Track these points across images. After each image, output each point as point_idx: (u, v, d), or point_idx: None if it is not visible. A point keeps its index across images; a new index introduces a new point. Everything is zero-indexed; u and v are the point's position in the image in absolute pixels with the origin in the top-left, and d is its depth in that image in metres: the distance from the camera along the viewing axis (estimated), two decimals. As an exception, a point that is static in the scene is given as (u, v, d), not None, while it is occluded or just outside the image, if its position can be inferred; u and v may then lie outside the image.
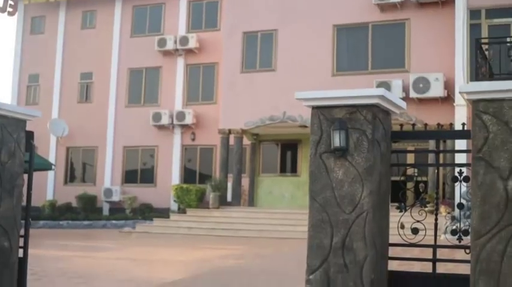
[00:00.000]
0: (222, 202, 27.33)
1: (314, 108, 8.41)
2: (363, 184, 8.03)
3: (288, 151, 29.91)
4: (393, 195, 9.16)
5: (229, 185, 27.93)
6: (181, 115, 30.84)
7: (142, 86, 32.88)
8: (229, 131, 27.83)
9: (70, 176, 34.19)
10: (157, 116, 31.16)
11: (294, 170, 29.26)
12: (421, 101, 25.01)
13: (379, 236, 8.25)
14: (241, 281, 12.95)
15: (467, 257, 7.75)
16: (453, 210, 20.33)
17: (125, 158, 32.74)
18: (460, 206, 8.87)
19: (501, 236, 7.47)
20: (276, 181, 29.06)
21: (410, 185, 8.94)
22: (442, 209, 21.54)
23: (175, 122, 30.97)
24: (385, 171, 8.53)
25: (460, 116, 21.80)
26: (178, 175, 31.39)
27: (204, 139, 30.93)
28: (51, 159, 32.80)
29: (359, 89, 8.35)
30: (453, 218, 18.80)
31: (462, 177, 8.41)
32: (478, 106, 7.77)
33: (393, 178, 9.23)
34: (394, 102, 8.59)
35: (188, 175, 31.41)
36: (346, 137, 8.07)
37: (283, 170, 29.61)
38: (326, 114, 8.29)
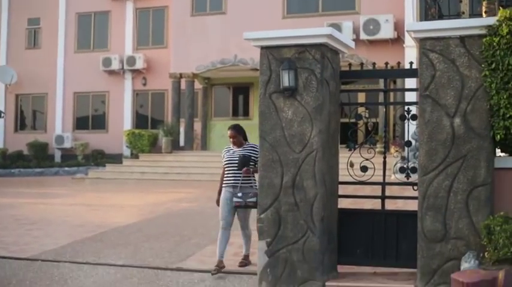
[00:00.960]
0: (175, 147, 27.29)
1: (263, 48, 8.40)
2: (312, 123, 8.10)
3: (240, 94, 29.85)
4: (344, 136, 9.26)
5: (182, 129, 27.85)
6: (131, 60, 30.48)
7: (91, 31, 32.32)
8: (181, 76, 27.63)
9: (20, 124, 33.71)
10: (107, 61, 30.74)
11: (246, 113, 29.27)
12: (371, 43, 25.10)
13: (328, 174, 8.36)
14: (195, 223, 13.04)
15: (416, 194, 7.91)
16: (403, 150, 20.58)
17: (75, 105, 32.34)
18: (408, 144, 9.01)
19: (448, 172, 7.63)
20: (228, 125, 28.75)
21: (360, 125, 9.04)
22: (392, 149, 21.82)
23: (125, 67, 30.62)
24: (334, 110, 8.61)
25: (410, 57, 21.84)
26: (130, 120, 31.17)
27: (156, 84, 30.65)
28: (0, 107, 32.29)
29: (307, 29, 8.36)
30: (403, 158, 19.04)
31: (410, 115, 8.53)
32: (425, 45, 7.84)
33: (343, 120, 9.33)
34: (343, 41, 8.63)
35: (140, 120, 31.20)
36: (295, 76, 8.10)
37: (235, 113, 29.59)
38: (275, 54, 8.30)
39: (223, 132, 29.02)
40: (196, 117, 28.70)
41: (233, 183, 9.35)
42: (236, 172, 9.32)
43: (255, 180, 9.35)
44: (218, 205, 9.44)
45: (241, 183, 9.28)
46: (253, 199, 9.01)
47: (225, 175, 9.48)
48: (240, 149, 9.50)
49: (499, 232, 6.71)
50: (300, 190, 8.09)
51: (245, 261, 9.49)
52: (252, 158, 9.35)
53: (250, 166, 9.31)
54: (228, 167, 9.45)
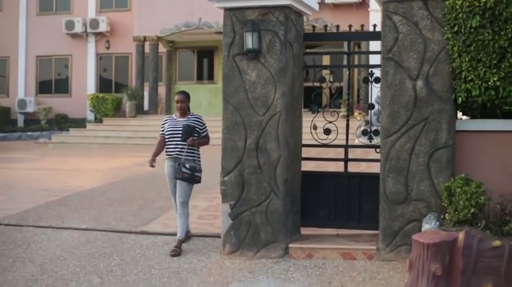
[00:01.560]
0: (139, 111, 27.09)
1: (226, 10, 8.34)
2: (276, 85, 8.09)
3: (204, 58, 29.65)
4: (307, 99, 9.26)
5: (146, 93, 27.62)
6: (94, 23, 30.05)
7: (53, -8, 31.79)
8: (145, 39, 27.32)
9: (-18, 88, 33.23)
10: (70, 24, 30.27)
11: (210, 77, 29.12)
12: (336, 6, 25.06)
13: (292, 137, 8.37)
14: (158, 187, 12.98)
15: (379, 156, 7.97)
16: (366, 113, 20.68)
17: (38, 68, 31.86)
18: (371, 107, 9.06)
19: (409, 134, 7.69)
20: (193, 89, 28.70)
21: (324, 88, 9.04)
22: (356, 112, 21.91)
23: (89, 30, 30.18)
24: (298, 73, 8.60)
25: (375, 21, 21.92)
26: (93, 84, 30.81)
27: (119, 47, 30.28)
28: (-39, 70, 31.76)
29: (271, -10, 8.29)
30: (366, 122, 19.13)
31: (373, 78, 8.56)
32: (388, 7, 7.84)
33: (307, 83, 9.32)
34: (306, 3, 8.59)
35: (104, 84, 30.87)
36: (258, 38, 8.06)
37: (200, 77, 29.41)
38: (238, 16, 8.24)
39: (187, 97, 29.05)
40: (161, 81, 28.47)
41: (177, 154, 8.68)
42: (179, 142, 8.65)
43: (198, 154, 8.85)
44: (151, 166, 8.99)
45: (186, 155, 8.65)
46: (200, 174, 8.67)
47: (167, 146, 8.82)
48: (184, 119, 8.83)
49: (459, 193, 6.79)
50: (264, 152, 8.10)
51: (178, 249, 8.44)
52: (197, 129, 8.79)
53: (194, 137, 8.72)
54: (170, 137, 8.76)
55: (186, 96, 8.99)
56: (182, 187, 8.63)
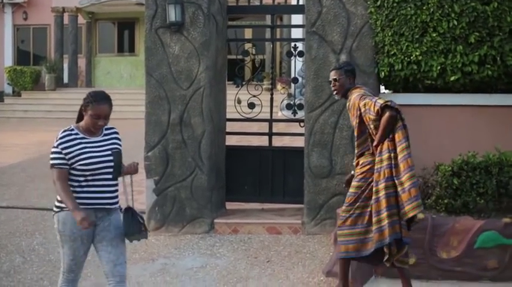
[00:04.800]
0: (59, 84, 26.53)
1: (148, -19, 8.18)
2: (200, 59, 7.99)
3: (125, 29, 29.18)
4: (231, 73, 9.20)
5: (65, 66, 27.07)
6: (11, -7, 29.24)
7: (-34, -39, 30.70)
8: (63, 10, 26.68)
9: None
10: (-16, -6, 29.39)
11: (132, 49, 28.71)
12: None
13: (216, 111, 8.31)
14: (80, 162, 12.78)
15: (303, 130, 7.99)
16: (290, 87, 20.75)
17: (-49, 40, 30.88)
18: (295, 80, 9.07)
19: (333, 109, 7.73)
20: (113, 61, 28.47)
21: (247, 61, 9.00)
22: (279, 86, 21.95)
23: (5, 0, 29.33)
24: (222, 46, 8.52)
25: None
26: (10, 56, 29.95)
27: (37, 19, 29.49)
28: None
29: (194, -38, 8.16)
30: (290, 95, 19.21)
31: (297, 52, 8.55)
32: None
33: (230, 56, 9.26)
34: (230, -24, 8.49)
35: (22, 57, 30.05)
36: (181, 11, 7.93)
37: (120, 49, 28.97)
38: (161, -12, 8.09)
39: (108, 69, 28.59)
40: (81, 53, 27.91)
41: (100, 203, 4.89)
42: (111, 182, 4.93)
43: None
44: (85, 221, 4.63)
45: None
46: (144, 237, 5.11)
47: (81, 188, 4.83)
48: (100, 137, 4.99)
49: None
50: (188, 127, 8.02)
51: None
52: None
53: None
54: (92, 173, 4.83)
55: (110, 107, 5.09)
56: (120, 249, 5.03)
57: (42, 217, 8.90)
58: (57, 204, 4.90)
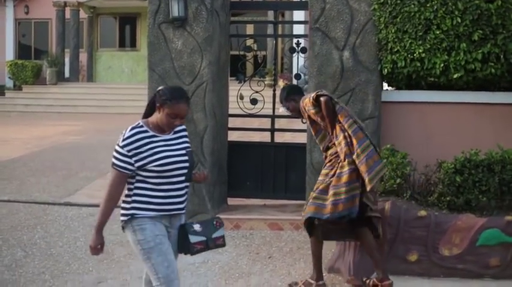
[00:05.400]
0: (60, 78, 26.53)
1: (152, -24, 8.16)
2: (202, 54, 7.99)
3: (126, 24, 29.18)
4: (233, 69, 9.20)
5: (67, 60, 27.06)
6: (12, -13, 29.22)
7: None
8: (65, 4, 26.69)
9: None
10: (-14, -12, 29.36)
11: (133, 44, 28.71)
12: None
13: (218, 107, 8.30)
14: (82, 157, 12.80)
15: (305, 127, 7.97)
16: (292, 83, 20.73)
17: (-48, 33, 30.84)
18: (298, 76, 9.06)
19: (336, 105, 7.69)
20: (115, 56, 28.47)
21: (249, 57, 9.00)
22: (281, 82, 21.92)
23: (6, -6, 29.36)
24: (224, 42, 8.51)
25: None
26: (12, 50, 29.95)
27: (39, 13, 29.48)
28: None
29: (197, -43, 8.15)
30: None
31: (300, 48, 8.54)
32: (315, -24, 7.80)
33: (233, 52, 9.26)
34: (234, -29, 8.47)
35: (23, 51, 30.05)
36: (184, 6, 7.92)
37: (122, 44, 28.97)
38: (164, -17, 8.07)
39: (109, 64, 28.57)
40: (82, 48, 27.93)
41: (173, 208, 4.44)
42: (183, 185, 4.47)
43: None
44: (94, 250, 4.51)
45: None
46: (222, 233, 4.63)
47: (150, 191, 4.38)
48: (172, 135, 4.50)
49: (385, 164, 6.85)
50: (190, 122, 8.01)
51: None
52: None
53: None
54: (165, 173, 4.36)
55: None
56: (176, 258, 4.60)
57: (43, 211, 8.89)
58: (124, 211, 4.40)
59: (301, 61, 9.79)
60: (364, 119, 7.58)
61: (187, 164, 4.44)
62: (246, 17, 23.70)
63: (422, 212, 6.12)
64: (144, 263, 4.43)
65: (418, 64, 7.31)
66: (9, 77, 28.01)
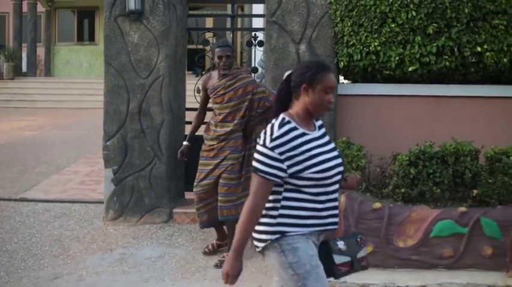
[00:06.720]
0: (17, 73, 26.16)
1: (107, -31, 8.09)
2: (159, 48, 7.95)
3: (85, 18, 28.93)
4: (191, 62, 9.15)
5: (24, 54, 26.73)
6: (-32, -20, 28.76)
7: None
8: (22, -3, 26.40)
9: None
10: None
11: (91, 38, 28.48)
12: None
13: (175, 100, 8.28)
14: (38, 152, 12.66)
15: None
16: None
17: None
18: (255, 70, 9.05)
19: (293, 98, 7.71)
20: (73, 50, 28.23)
21: (207, 51, 8.96)
22: (241, 76, 21.91)
23: (-38, -13, 28.88)
24: (181, 35, 8.47)
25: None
26: (-33, 44, 29.59)
27: (-5, 6, 29.15)
28: None
29: (153, -50, 8.10)
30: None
31: (257, 41, 8.54)
32: (271, -30, 7.81)
33: (190, 46, 9.22)
34: (190, -36, 8.44)
35: (-21, 45, 29.70)
36: (141, -1, 7.87)
37: (80, 38, 28.72)
38: (119, -24, 8.01)
39: (67, 58, 28.31)
40: (40, 42, 27.61)
41: (329, 222, 3.68)
42: (335, 196, 3.70)
43: None
44: (233, 279, 3.51)
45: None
46: (366, 252, 3.90)
47: (308, 203, 3.60)
48: (318, 131, 3.72)
49: (341, 157, 6.90)
50: (147, 116, 7.98)
51: None
52: None
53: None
54: (320, 182, 3.58)
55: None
56: None
57: (-2, 207, 8.80)
58: (267, 228, 3.60)
59: (259, 54, 9.79)
60: (321, 112, 7.60)
61: (341, 169, 3.69)
62: (206, 10, 23.67)
63: (377, 204, 6.17)
64: None
65: (374, 57, 7.36)
66: (-36, 72, 27.61)
